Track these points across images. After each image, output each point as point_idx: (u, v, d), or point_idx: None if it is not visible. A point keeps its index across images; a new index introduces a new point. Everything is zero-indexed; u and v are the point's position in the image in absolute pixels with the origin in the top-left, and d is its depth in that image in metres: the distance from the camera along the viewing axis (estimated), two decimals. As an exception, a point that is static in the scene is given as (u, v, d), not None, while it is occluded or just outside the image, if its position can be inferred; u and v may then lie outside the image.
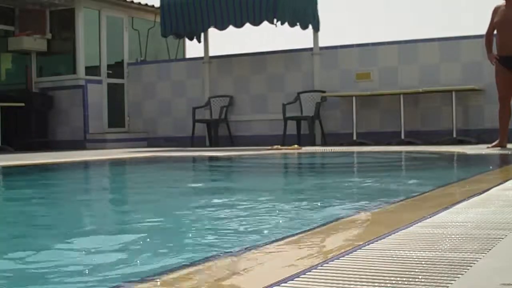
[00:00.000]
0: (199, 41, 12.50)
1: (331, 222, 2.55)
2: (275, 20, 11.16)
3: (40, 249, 2.35)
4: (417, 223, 2.27)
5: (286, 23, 11.30)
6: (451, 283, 1.42)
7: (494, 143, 8.20)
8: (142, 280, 1.62)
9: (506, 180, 3.76)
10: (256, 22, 11.38)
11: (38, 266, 2.02)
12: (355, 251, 1.80)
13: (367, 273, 1.53)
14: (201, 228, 2.81)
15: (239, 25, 11.56)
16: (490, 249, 1.77)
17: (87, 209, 3.81)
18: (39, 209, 3.72)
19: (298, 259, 1.76)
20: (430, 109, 10.82)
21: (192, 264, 1.86)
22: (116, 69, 13.26)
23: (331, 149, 9.54)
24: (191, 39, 12.61)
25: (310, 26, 11.65)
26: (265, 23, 11.33)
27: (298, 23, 11.49)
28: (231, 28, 11.74)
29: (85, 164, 8.13)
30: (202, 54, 12.65)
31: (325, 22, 12.31)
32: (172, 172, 6.96)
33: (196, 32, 12.26)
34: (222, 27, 11.77)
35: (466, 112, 10.56)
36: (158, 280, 1.61)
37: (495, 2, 8.16)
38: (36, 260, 2.11)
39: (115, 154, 9.39)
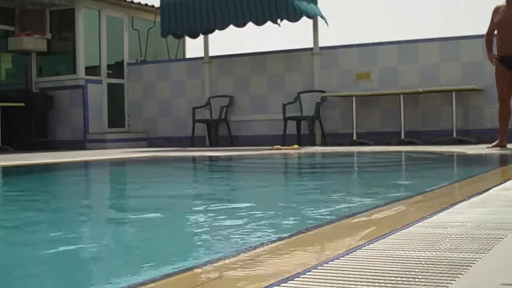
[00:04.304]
0: (195, 38, 12.47)
1: (331, 222, 2.55)
2: (278, 20, 11.14)
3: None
4: (417, 223, 2.27)
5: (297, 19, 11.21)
6: (451, 283, 1.42)
7: (494, 143, 8.20)
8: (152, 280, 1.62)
9: (506, 180, 3.76)
10: (260, 22, 11.34)
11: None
12: (355, 251, 1.80)
13: (367, 273, 1.53)
14: (200, 229, 2.81)
15: (240, 24, 11.53)
16: (490, 249, 1.77)
17: (85, 210, 3.81)
18: (34, 213, 3.72)
19: (298, 259, 1.76)
20: (430, 109, 10.82)
21: (194, 265, 1.86)
22: (116, 69, 13.26)
23: (331, 149, 9.54)
24: (193, 37, 12.53)
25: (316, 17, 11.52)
26: (268, 23, 11.31)
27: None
28: (231, 28, 11.74)
29: (85, 164, 8.13)
30: (202, 54, 12.65)
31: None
32: (172, 172, 6.95)
33: (196, 31, 12.23)
34: (222, 26, 11.77)
35: (466, 112, 10.56)
36: (157, 281, 1.61)
37: (495, 2, 8.16)
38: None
39: (115, 154, 9.39)
